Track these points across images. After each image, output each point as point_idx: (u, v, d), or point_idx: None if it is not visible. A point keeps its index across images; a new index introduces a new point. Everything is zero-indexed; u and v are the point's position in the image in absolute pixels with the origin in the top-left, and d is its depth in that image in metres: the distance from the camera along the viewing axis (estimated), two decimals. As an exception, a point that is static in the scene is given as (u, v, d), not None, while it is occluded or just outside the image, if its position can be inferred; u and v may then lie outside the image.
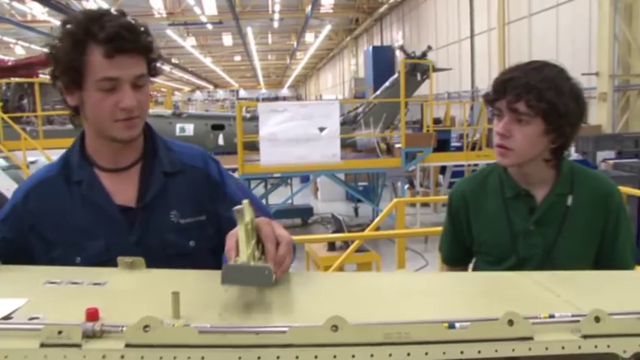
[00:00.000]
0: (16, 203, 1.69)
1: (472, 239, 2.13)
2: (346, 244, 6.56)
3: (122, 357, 0.96)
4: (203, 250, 1.73)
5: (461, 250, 2.22)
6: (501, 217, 2.03)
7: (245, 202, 1.31)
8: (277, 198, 13.10)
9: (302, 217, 13.47)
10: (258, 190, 13.27)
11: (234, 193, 1.79)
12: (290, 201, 13.49)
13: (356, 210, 14.51)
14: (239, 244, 1.23)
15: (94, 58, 1.55)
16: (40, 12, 28.61)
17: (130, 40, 1.55)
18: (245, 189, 1.92)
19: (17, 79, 11.82)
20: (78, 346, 0.96)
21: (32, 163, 10.80)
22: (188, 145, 1.90)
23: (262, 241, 1.38)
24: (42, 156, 10.17)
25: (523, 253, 1.99)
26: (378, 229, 5.62)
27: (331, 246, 7.26)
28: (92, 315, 1.02)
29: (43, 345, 0.96)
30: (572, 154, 10.30)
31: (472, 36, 21.27)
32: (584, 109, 1.94)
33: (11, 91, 12.00)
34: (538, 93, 1.82)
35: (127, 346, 0.97)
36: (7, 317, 1.08)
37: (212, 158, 1.87)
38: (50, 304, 1.19)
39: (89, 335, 0.99)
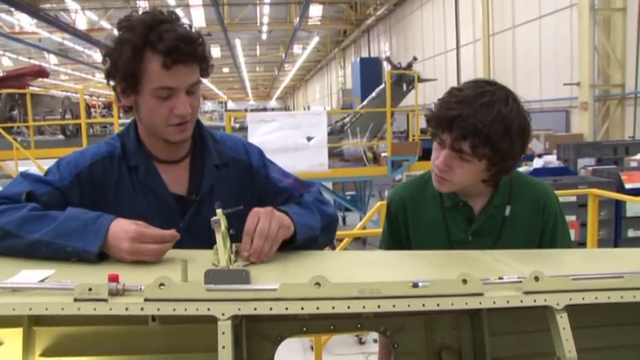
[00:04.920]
0: (81, 171, 1.74)
1: (410, 245, 2.10)
2: (333, 248, 6.75)
3: (142, 309, 1.16)
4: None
5: None
6: (439, 227, 2.02)
7: (219, 211, 1.46)
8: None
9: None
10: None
11: (275, 177, 1.91)
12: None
13: (344, 219, 14.70)
14: (218, 250, 1.42)
15: (152, 67, 1.63)
16: (27, 24, 28.71)
17: (187, 52, 1.63)
18: (285, 172, 1.99)
19: (8, 90, 11.93)
20: (105, 300, 1.16)
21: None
22: (229, 135, 2.00)
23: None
24: (34, 166, 10.30)
25: None
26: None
27: (319, 250, 7.44)
28: (114, 278, 1.22)
29: (76, 300, 1.16)
30: (554, 161, 10.58)
31: (458, 47, 21.63)
32: (528, 143, 1.87)
33: (2, 102, 12.13)
34: (485, 137, 1.74)
35: (146, 300, 1.17)
36: (42, 281, 1.28)
37: (253, 146, 1.97)
38: (74, 274, 1.38)
39: (113, 293, 1.18)
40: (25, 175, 1.74)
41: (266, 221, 1.58)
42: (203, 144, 1.87)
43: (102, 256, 1.51)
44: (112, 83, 1.72)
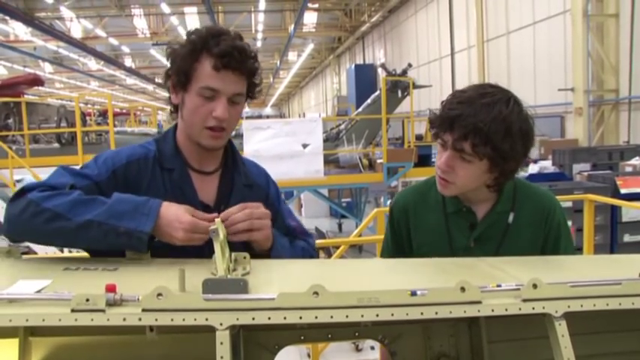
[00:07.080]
0: (117, 169, 1.80)
1: (412, 251, 2.09)
2: (329, 255, 6.75)
3: (140, 319, 1.15)
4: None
5: None
6: (442, 232, 2.01)
7: (217, 220, 1.50)
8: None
9: (286, 232, 13.54)
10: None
11: (284, 213, 2.03)
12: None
13: (340, 226, 14.71)
14: (216, 260, 1.41)
15: (204, 66, 1.75)
16: (22, 32, 28.68)
17: (238, 60, 1.75)
18: (293, 215, 2.11)
19: (3, 99, 11.90)
20: (102, 311, 1.16)
21: (18, 181, 10.89)
22: (253, 162, 2.11)
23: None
24: (29, 174, 10.27)
25: None
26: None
27: (315, 257, 7.41)
28: (111, 288, 1.21)
29: (73, 310, 1.15)
30: (550, 167, 10.61)
31: (452, 53, 21.69)
32: (531, 146, 1.87)
33: (-3, 111, 12.11)
34: (486, 136, 1.75)
35: (144, 310, 1.16)
36: (39, 292, 1.27)
37: (272, 179, 2.09)
38: (71, 284, 1.37)
39: (111, 303, 1.18)
40: (65, 168, 1.80)
41: (257, 211, 1.71)
42: (234, 162, 1.97)
43: (152, 239, 1.60)
44: (169, 84, 1.85)
